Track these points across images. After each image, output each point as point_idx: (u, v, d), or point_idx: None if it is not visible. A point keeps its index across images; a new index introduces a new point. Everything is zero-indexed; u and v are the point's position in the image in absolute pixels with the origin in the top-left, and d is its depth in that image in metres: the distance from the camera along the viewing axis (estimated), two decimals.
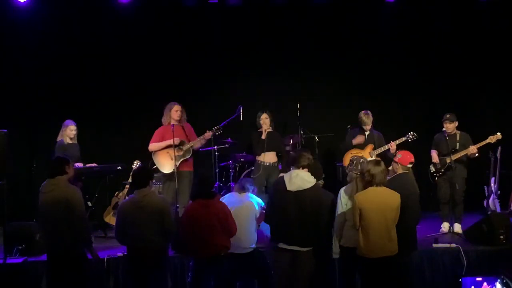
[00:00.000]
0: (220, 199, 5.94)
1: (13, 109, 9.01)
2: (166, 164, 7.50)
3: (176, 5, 9.35)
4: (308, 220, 5.44)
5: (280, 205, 5.51)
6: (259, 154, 7.88)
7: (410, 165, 5.85)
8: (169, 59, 9.43)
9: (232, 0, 9.29)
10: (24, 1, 8.88)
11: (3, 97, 9.05)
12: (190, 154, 7.51)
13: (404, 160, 5.84)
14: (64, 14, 9.19)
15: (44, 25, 9.18)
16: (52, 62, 9.21)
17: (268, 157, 7.89)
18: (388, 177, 5.64)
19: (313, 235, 5.51)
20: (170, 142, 7.34)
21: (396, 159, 5.89)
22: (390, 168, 5.91)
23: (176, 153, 7.36)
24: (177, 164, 7.34)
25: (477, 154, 7.52)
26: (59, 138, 7.75)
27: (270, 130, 7.97)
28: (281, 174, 5.79)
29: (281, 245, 5.54)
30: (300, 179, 5.47)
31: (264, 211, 5.93)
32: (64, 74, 9.23)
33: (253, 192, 6.15)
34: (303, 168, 5.53)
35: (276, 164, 7.95)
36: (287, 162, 5.75)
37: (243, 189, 6.04)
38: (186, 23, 9.46)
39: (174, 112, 7.56)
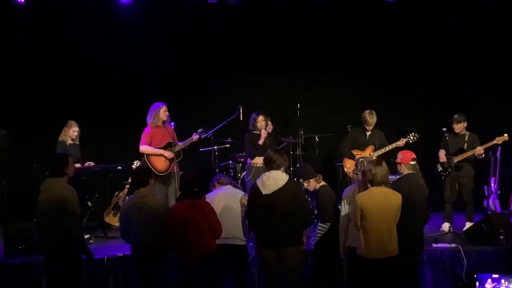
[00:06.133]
0: (216, 194, 5.92)
1: (13, 109, 9.00)
2: (159, 166, 7.49)
3: (176, 5, 9.35)
4: (291, 216, 5.41)
5: (261, 210, 5.47)
6: (253, 158, 7.75)
7: (414, 162, 5.81)
8: (169, 59, 9.43)
9: (232, 0, 9.29)
10: (23, 2, 8.88)
11: (3, 97, 9.04)
12: (181, 156, 7.50)
13: (405, 158, 5.81)
14: (63, 14, 9.18)
15: (44, 25, 9.18)
16: (52, 62, 9.22)
17: (261, 159, 7.81)
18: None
19: (298, 230, 5.53)
20: (162, 152, 7.40)
21: (397, 160, 5.87)
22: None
23: (171, 156, 7.41)
24: (173, 166, 7.38)
25: (483, 155, 7.54)
26: (61, 138, 7.71)
27: (266, 132, 7.85)
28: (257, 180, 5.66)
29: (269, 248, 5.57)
30: (272, 179, 5.46)
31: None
32: (63, 74, 9.24)
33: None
34: (276, 169, 5.53)
35: None
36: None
37: (225, 183, 6.07)
38: (186, 22, 9.45)
39: (163, 112, 7.51)
